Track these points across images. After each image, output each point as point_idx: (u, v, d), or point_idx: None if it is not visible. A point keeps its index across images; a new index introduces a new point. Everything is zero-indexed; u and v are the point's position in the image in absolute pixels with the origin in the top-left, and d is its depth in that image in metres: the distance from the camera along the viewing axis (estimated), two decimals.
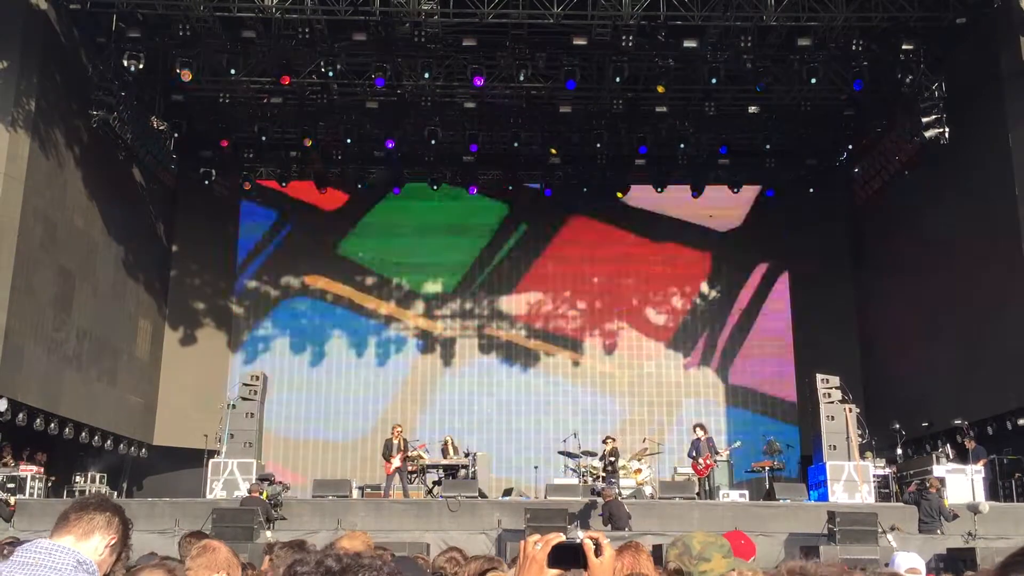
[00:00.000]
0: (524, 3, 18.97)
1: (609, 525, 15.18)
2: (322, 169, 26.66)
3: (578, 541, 2.14)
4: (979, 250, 19.83)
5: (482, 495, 18.22)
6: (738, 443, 21.33)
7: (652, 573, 3.29)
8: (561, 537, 2.14)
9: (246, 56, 21.45)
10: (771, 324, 27.36)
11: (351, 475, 22.38)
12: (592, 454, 19.90)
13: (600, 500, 16.26)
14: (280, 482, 17.04)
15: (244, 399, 19.33)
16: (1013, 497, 17.82)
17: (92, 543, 2.71)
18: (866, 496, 17.52)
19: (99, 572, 2.73)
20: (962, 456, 18.31)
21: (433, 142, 24.38)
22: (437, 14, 19.09)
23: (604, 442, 19.21)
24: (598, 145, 24.87)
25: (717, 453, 19.25)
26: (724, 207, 27.68)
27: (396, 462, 19.21)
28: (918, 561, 5.47)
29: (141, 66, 19.82)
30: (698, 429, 19.48)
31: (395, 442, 19.35)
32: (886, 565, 7.11)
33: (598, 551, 2.15)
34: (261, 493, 16.20)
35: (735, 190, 27.20)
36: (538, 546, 2.12)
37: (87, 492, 18.30)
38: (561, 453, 20.78)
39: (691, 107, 23.66)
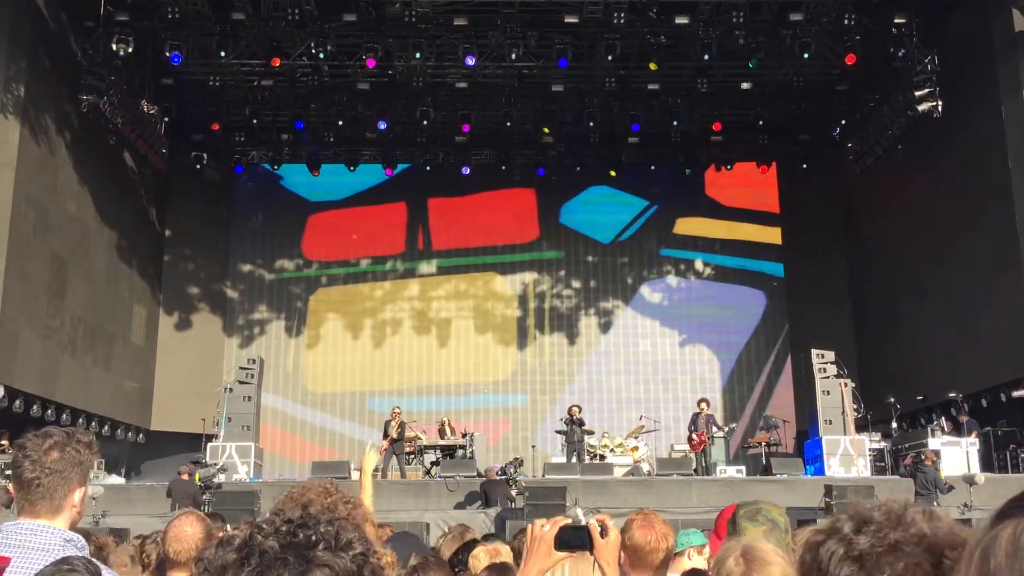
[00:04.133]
0: None
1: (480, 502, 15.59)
2: (314, 151, 26.58)
3: (584, 523, 2.16)
4: (972, 223, 19.86)
5: (480, 475, 18.30)
6: (733, 425, 21.49)
7: (671, 536, 3.35)
8: (567, 520, 2.16)
9: (236, 38, 21.30)
10: (765, 300, 27.42)
11: (349, 456, 22.45)
12: (590, 432, 20.01)
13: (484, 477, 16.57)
14: (214, 464, 16.87)
15: (241, 383, 19.38)
16: (1008, 468, 17.95)
17: (64, 516, 2.66)
18: (862, 470, 17.64)
19: (82, 515, 2.72)
20: (957, 429, 18.42)
21: (425, 123, 24.31)
22: None
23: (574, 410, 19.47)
24: (591, 123, 24.81)
25: (718, 428, 19.39)
26: (719, 184, 27.72)
27: (384, 443, 19.34)
28: None
29: (130, 49, 19.68)
30: (702, 403, 19.63)
31: (392, 423, 19.44)
32: None
33: (604, 532, 2.17)
34: (193, 475, 16.11)
35: (728, 168, 27.21)
36: (545, 528, 2.14)
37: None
38: (558, 432, 20.86)
39: (683, 84, 23.58)
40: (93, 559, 2.55)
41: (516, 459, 18.11)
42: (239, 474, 18.05)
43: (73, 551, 2.56)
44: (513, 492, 15.90)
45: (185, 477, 16.11)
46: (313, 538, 1.24)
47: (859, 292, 26.35)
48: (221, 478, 17.46)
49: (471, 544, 4.62)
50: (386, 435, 19.47)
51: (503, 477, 16.25)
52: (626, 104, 24.56)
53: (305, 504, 2.55)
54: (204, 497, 15.75)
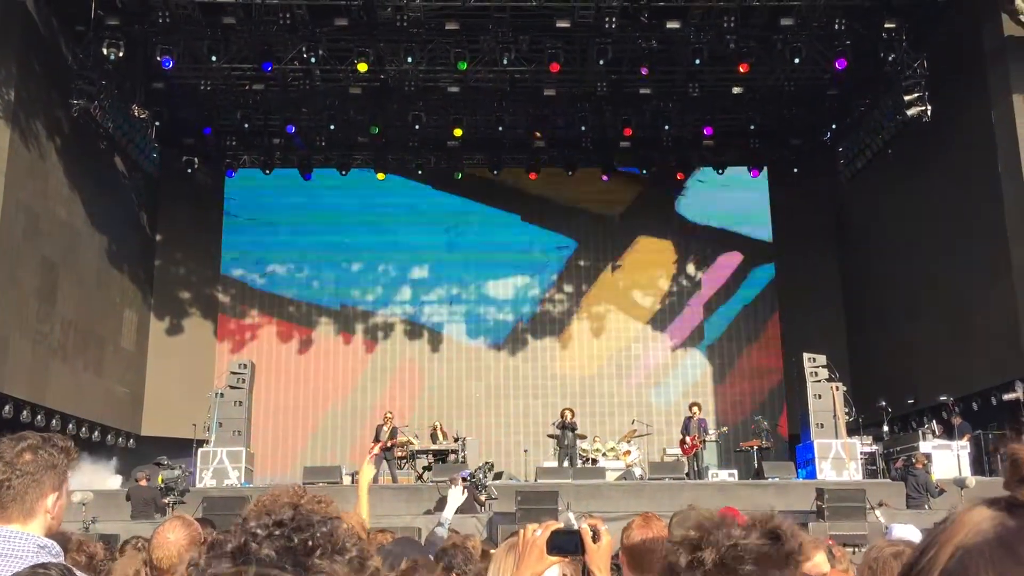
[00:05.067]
0: None
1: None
2: (306, 156, 26.56)
3: (576, 528, 2.16)
4: (962, 226, 19.93)
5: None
6: (724, 428, 21.52)
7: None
8: (559, 524, 2.16)
9: (227, 43, 21.28)
10: (757, 303, 27.47)
11: (340, 462, 22.39)
12: (582, 437, 20.01)
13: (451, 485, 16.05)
14: (180, 466, 16.60)
15: (232, 388, 19.31)
16: (998, 471, 17.98)
17: (37, 521, 2.60)
18: (853, 473, 17.67)
19: (59, 522, 2.66)
20: (948, 432, 18.46)
21: (417, 127, 24.32)
22: None
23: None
24: (583, 128, 24.85)
25: (707, 434, 19.40)
26: (711, 188, 27.76)
27: (375, 449, 19.24)
28: (915, 533, 5.50)
29: (121, 54, 19.63)
30: (693, 408, 19.64)
31: (384, 428, 19.41)
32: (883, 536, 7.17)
33: (596, 537, 2.17)
34: (151, 480, 15.87)
35: (720, 172, 27.24)
36: (537, 532, 2.14)
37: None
38: (550, 436, 20.85)
39: (675, 89, 23.64)
40: (70, 567, 2.51)
41: (486, 463, 17.90)
42: (230, 479, 18.00)
43: (48, 558, 2.51)
44: (483, 497, 15.71)
45: (143, 483, 15.88)
46: (310, 543, 1.21)
47: (851, 296, 26.41)
48: (210, 481, 17.30)
49: (450, 550, 4.60)
50: (377, 439, 19.42)
51: (470, 482, 15.87)
52: (618, 108, 24.60)
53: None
54: (166, 500, 15.51)
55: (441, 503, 15.47)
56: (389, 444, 19.23)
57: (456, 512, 14.04)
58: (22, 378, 18.44)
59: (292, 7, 19.76)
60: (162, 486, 15.64)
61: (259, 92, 23.69)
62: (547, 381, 26.72)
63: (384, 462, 19.36)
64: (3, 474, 2.57)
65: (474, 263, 27.75)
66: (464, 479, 15.84)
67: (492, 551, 4.34)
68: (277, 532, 1.22)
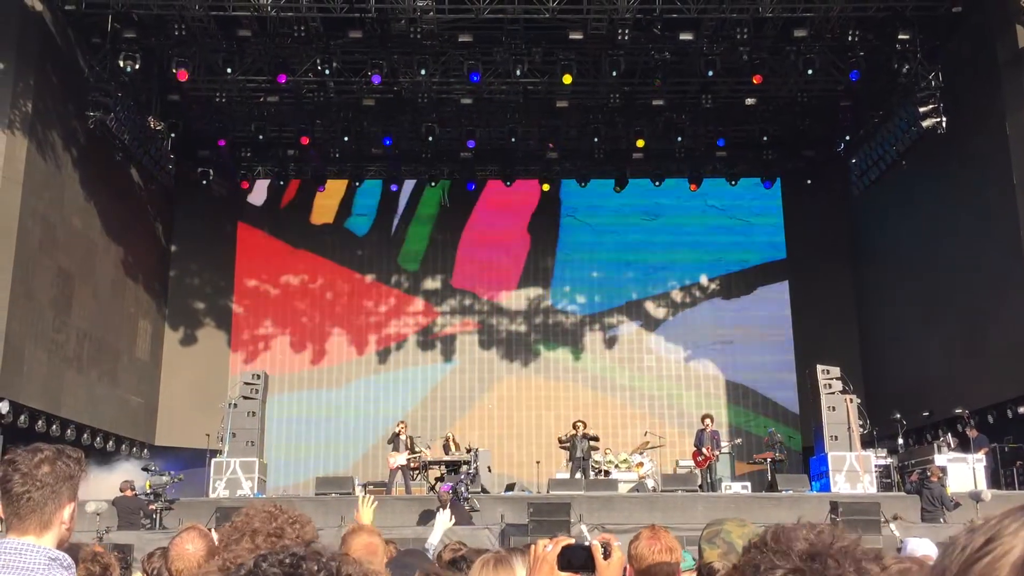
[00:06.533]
0: None
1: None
2: (319, 167, 26.68)
3: (587, 543, 2.16)
4: (977, 238, 19.85)
5: (484, 491, 18.26)
6: (739, 440, 21.43)
7: (678, 551, 3.30)
8: (571, 540, 2.16)
9: (242, 55, 21.44)
10: (770, 315, 27.36)
11: (353, 472, 22.42)
12: (596, 439, 19.94)
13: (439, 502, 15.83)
14: (168, 472, 16.46)
15: (245, 398, 19.35)
16: (1015, 485, 17.86)
17: (52, 533, 2.60)
18: (868, 486, 17.57)
19: (71, 533, 2.66)
20: (963, 445, 18.34)
21: (431, 139, 24.40)
22: (432, 10, 19.06)
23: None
24: (595, 139, 24.87)
25: (720, 446, 19.33)
26: (724, 199, 27.71)
27: (401, 460, 19.23)
28: (930, 547, 5.46)
29: (137, 66, 19.80)
30: (705, 420, 19.57)
31: (401, 437, 19.42)
32: (898, 550, 7.11)
33: (607, 553, 2.17)
34: (136, 491, 15.76)
35: (732, 183, 27.22)
36: (548, 548, 2.14)
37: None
38: (563, 447, 20.79)
39: (688, 100, 23.65)
40: None
41: (468, 474, 17.72)
42: (243, 489, 18.03)
43: (59, 570, 2.51)
44: (466, 507, 15.58)
45: (128, 493, 15.80)
46: (315, 568, 1.25)
47: (864, 307, 26.29)
48: (223, 492, 17.25)
49: (460, 560, 4.60)
50: (395, 448, 19.42)
51: (453, 495, 15.57)
52: (631, 120, 24.63)
53: (252, 533, 2.56)
54: (154, 507, 15.36)
55: (426, 518, 15.39)
56: (407, 461, 19.18)
57: (453, 524, 13.86)
58: (37, 388, 18.54)
59: (307, 20, 19.89)
60: (150, 492, 15.55)
61: (273, 104, 23.84)
62: (559, 392, 26.68)
63: (398, 472, 19.37)
64: (22, 486, 2.58)
65: (487, 274, 27.77)
66: (448, 492, 15.76)
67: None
68: (288, 561, 1.27)
